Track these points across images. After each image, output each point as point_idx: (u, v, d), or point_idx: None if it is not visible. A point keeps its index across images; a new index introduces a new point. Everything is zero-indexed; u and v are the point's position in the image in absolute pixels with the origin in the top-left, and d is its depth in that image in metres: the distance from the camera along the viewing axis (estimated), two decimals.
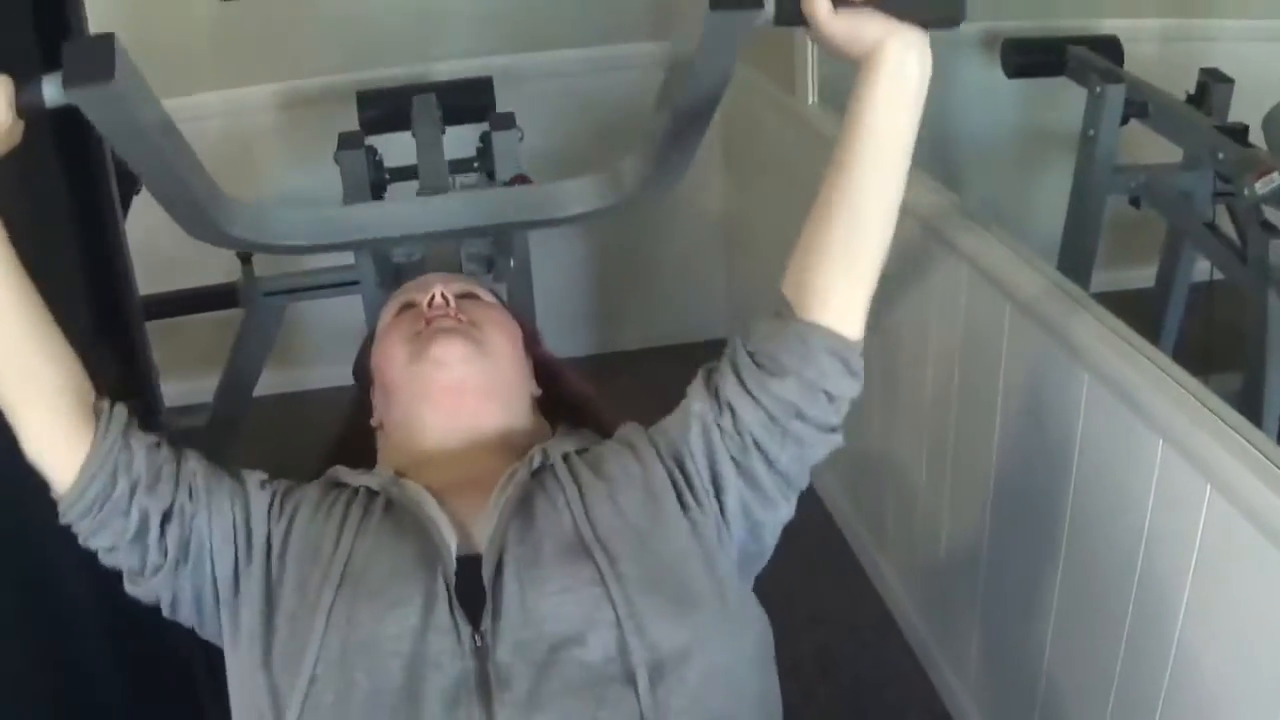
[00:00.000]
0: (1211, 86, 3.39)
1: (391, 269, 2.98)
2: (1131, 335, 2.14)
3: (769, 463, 1.65)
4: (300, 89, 4.10)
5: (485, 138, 3.20)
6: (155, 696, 2.32)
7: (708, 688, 1.53)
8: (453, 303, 1.83)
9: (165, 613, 1.70)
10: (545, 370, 2.00)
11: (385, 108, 3.40)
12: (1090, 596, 2.25)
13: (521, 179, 3.00)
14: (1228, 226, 3.16)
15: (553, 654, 1.50)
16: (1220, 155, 3.09)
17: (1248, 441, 1.82)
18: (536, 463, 1.68)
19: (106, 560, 1.66)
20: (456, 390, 1.76)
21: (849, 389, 1.65)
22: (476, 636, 1.51)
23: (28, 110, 1.62)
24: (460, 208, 2.22)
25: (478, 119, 3.32)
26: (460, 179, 3.19)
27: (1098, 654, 2.21)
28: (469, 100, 3.44)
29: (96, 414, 1.65)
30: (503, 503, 1.62)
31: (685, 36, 1.72)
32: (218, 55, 4.08)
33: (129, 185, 3.08)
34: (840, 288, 1.63)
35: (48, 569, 2.09)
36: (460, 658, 1.50)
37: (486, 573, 1.55)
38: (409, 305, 1.89)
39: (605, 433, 1.82)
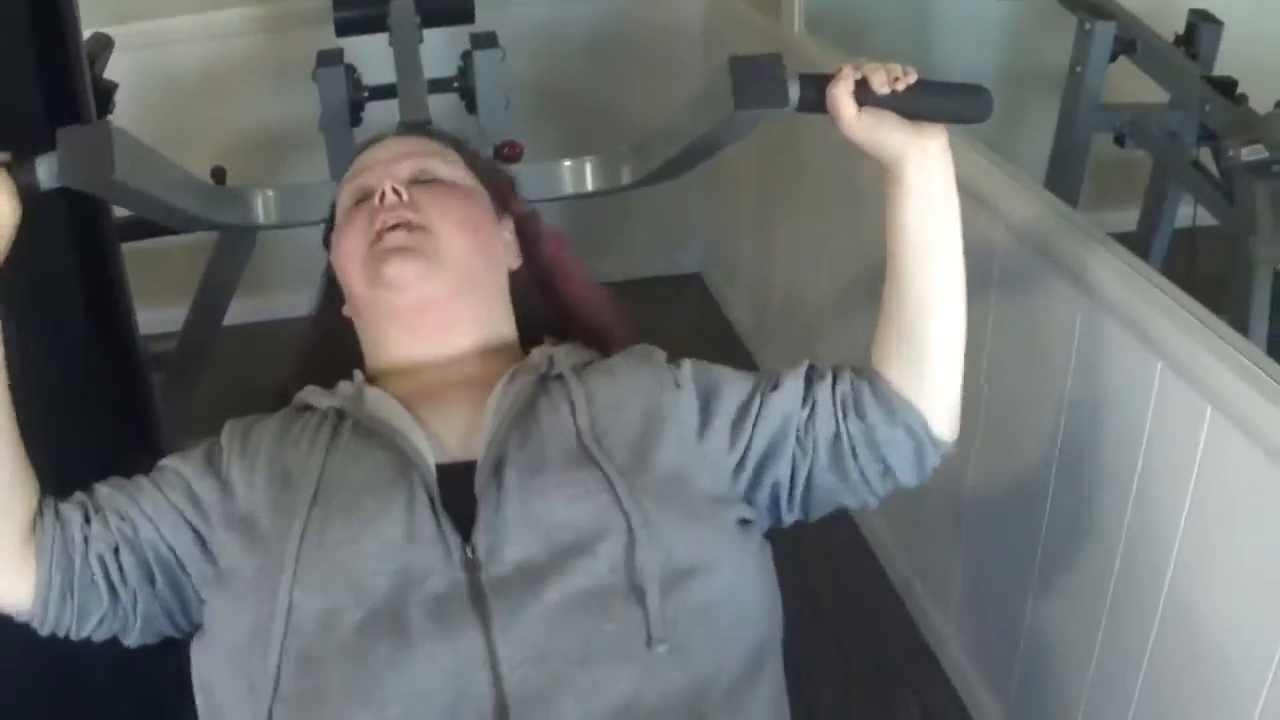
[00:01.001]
0: (1200, 28, 3.38)
1: None
2: (1127, 255, 2.10)
3: (809, 477, 1.65)
4: (271, 13, 4.04)
5: (466, 57, 3.14)
6: None
7: (715, 603, 1.50)
8: (405, 195, 1.71)
9: (177, 635, 1.63)
10: (544, 263, 1.94)
11: (362, 6, 3.34)
12: (1082, 522, 2.22)
13: (511, 146, 2.93)
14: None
15: (555, 564, 1.45)
16: (1208, 108, 3.08)
17: (1246, 358, 1.78)
18: (543, 370, 1.65)
19: (100, 634, 1.59)
20: (418, 309, 1.70)
21: (907, 476, 1.69)
22: (468, 548, 1.46)
23: (24, 192, 1.57)
24: None
25: (456, 21, 3.27)
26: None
27: (1088, 582, 2.19)
28: (448, 3, 3.37)
29: (35, 524, 1.56)
30: (505, 407, 1.58)
31: (708, 104, 1.76)
32: None
33: (104, 101, 3.04)
34: (924, 386, 1.67)
35: None
36: (450, 569, 1.45)
37: (480, 479, 1.50)
38: (364, 195, 1.76)
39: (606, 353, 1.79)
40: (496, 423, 1.56)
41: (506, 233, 1.86)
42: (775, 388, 1.65)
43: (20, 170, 1.58)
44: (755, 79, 1.59)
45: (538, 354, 1.69)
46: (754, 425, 1.63)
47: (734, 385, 1.67)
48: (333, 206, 1.86)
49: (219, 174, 3.17)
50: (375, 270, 1.66)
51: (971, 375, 2.46)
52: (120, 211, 2.32)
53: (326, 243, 1.88)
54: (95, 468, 2.25)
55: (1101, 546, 2.13)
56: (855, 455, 1.63)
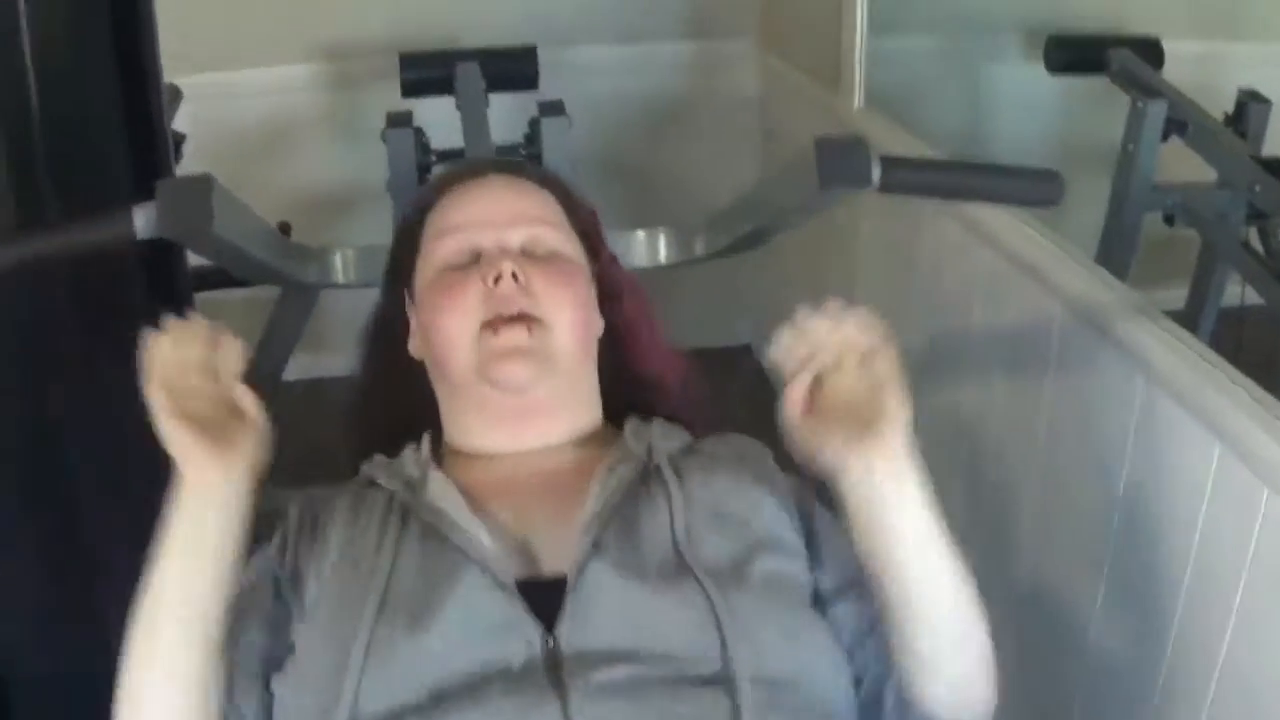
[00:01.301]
0: (1250, 107, 3.42)
1: None
2: (1187, 337, 2.14)
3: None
4: (338, 70, 4.10)
5: (534, 124, 3.20)
6: None
7: (807, 707, 1.46)
8: (522, 278, 1.61)
9: None
10: (623, 324, 1.85)
11: (428, 70, 3.41)
12: (1135, 602, 2.24)
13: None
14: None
15: (642, 660, 1.41)
16: (1257, 188, 3.12)
17: None
18: (643, 460, 1.61)
19: None
20: (522, 411, 1.66)
21: None
22: (549, 639, 1.42)
23: (118, 241, 1.65)
24: None
25: (521, 87, 3.34)
26: None
27: (1140, 664, 2.20)
28: (513, 69, 3.45)
29: None
30: (605, 497, 1.54)
31: (790, 182, 1.83)
32: (257, 32, 4.09)
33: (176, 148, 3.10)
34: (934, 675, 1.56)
35: None
36: (529, 656, 1.41)
37: (573, 568, 1.47)
38: (470, 258, 1.66)
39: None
40: (598, 508, 1.53)
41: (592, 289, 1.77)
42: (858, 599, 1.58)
43: (114, 220, 1.65)
44: (840, 159, 1.64)
45: (633, 438, 1.66)
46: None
47: (835, 558, 1.61)
48: (401, 239, 1.82)
49: (284, 229, 3.23)
50: (487, 366, 1.60)
51: (1027, 451, 2.52)
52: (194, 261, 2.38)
53: (389, 286, 1.83)
54: (153, 507, 2.32)
55: (1155, 627, 2.15)
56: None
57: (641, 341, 1.87)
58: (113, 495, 2.22)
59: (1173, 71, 3.62)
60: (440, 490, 1.58)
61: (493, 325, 1.59)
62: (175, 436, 1.40)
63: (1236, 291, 3.42)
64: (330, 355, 4.15)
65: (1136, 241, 3.47)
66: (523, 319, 1.59)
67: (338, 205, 4.07)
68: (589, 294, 1.73)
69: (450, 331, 1.62)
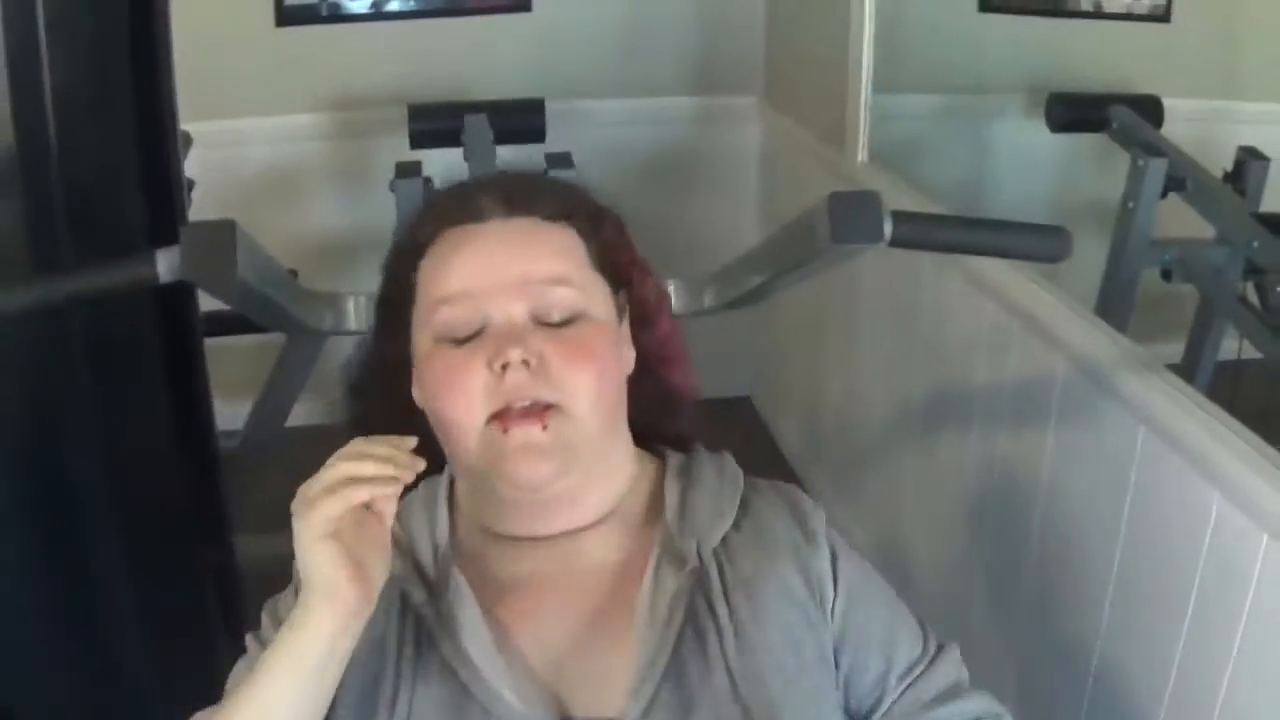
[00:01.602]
0: (1249, 164, 3.46)
1: None
2: (1186, 389, 2.17)
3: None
4: (347, 120, 4.14)
5: None
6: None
7: None
8: (534, 362, 1.35)
9: None
10: (655, 345, 1.63)
11: (437, 122, 3.46)
12: (1136, 649, 2.26)
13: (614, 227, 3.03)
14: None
15: None
16: (1255, 244, 3.15)
17: None
18: (693, 567, 1.43)
19: None
20: (544, 503, 1.43)
21: None
22: None
23: (141, 285, 1.68)
24: None
25: (529, 139, 3.38)
26: None
27: (1141, 708, 2.23)
28: (520, 121, 3.49)
29: None
30: (651, 644, 1.37)
31: (802, 236, 1.81)
32: (268, 82, 4.13)
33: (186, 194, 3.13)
34: None
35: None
36: None
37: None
38: (469, 332, 1.40)
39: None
40: (645, 660, 1.37)
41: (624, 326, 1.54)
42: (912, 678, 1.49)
43: (138, 263, 1.67)
44: (853, 214, 1.66)
45: (678, 526, 1.46)
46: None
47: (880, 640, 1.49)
48: (394, 278, 1.52)
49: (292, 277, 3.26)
50: (498, 465, 1.36)
51: (1029, 504, 2.55)
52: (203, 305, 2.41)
53: (384, 325, 1.55)
54: (169, 557, 2.35)
55: (1154, 671, 2.17)
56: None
57: (671, 358, 1.68)
58: (117, 532, 2.24)
59: (1173, 129, 3.67)
60: (463, 618, 1.39)
61: (502, 420, 1.35)
62: (324, 560, 1.24)
63: (1233, 346, 3.46)
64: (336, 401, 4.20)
65: (1134, 296, 3.51)
66: (536, 411, 1.35)
67: (344, 253, 4.09)
68: (616, 350, 1.48)
69: (455, 423, 1.38)
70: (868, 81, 3.42)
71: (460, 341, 1.39)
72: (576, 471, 1.40)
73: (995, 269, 2.68)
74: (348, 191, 4.11)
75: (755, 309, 3.00)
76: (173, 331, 2.37)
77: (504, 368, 1.34)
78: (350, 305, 2.17)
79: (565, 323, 1.40)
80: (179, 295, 2.28)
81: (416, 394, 1.46)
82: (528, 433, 1.35)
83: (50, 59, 2.01)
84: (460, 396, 1.37)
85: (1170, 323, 3.75)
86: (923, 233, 1.72)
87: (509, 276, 1.40)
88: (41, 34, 2.00)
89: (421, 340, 1.43)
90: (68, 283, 1.82)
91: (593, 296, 1.45)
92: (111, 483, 2.24)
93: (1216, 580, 2.01)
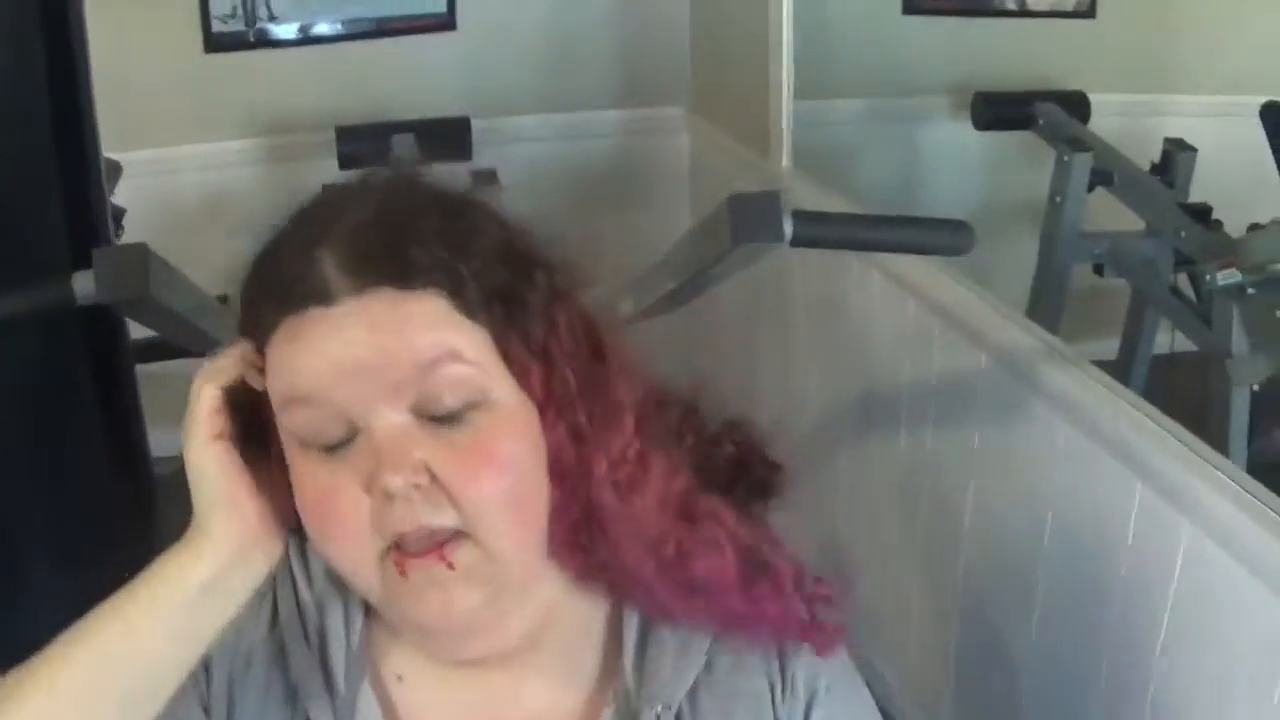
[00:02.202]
0: (1176, 155, 3.49)
1: None
2: (1107, 380, 2.19)
3: None
4: (276, 144, 4.14)
5: None
6: None
7: None
8: (423, 483, 1.06)
9: None
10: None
11: (365, 143, 3.47)
12: (1067, 635, 2.29)
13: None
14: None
15: None
16: (1183, 234, 3.18)
17: (1221, 472, 1.88)
18: None
19: None
20: (458, 636, 1.13)
21: None
22: None
23: (58, 307, 1.68)
24: None
25: (457, 158, 3.38)
26: None
27: (1077, 691, 2.25)
28: (446, 139, 3.50)
29: None
30: None
31: (707, 239, 1.78)
32: (197, 108, 4.12)
33: (114, 225, 3.13)
34: None
35: None
36: None
37: None
38: (343, 435, 1.07)
39: None
40: None
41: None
42: None
43: (53, 286, 1.67)
44: (753, 215, 1.67)
45: (638, 694, 1.19)
46: None
47: None
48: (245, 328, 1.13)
49: (223, 301, 3.26)
50: (400, 607, 1.10)
51: (958, 500, 2.57)
52: (135, 334, 2.42)
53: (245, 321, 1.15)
54: (103, 581, 2.34)
55: (1086, 661, 2.20)
56: None
57: (629, 502, 1.15)
58: (50, 555, 2.24)
59: (1102, 124, 3.70)
60: None
61: (397, 561, 1.08)
62: (216, 463, 1.10)
63: (1168, 340, 3.48)
64: None
65: (1065, 290, 3.53)
66: (435, 545, 1.07)
67: None
68: (529, 440, 1.11)
69: (342, 563, 1.11)
70: (788, 87, 3.43)
71: (329, 449, 1.07)
72: (494, 601, 1.10)
73: (918, 269, 2.70)
74: (278, 215, 4.09)
75: (692, 315, 3.04)
76: (103, 357, 2.37)
77: (387, 495, 1.05)
78: None
79: (458, 415, 1.07)
80: (106, 322, 2.29)
81: (296, 500, 1.11)
82: (429, 573, 1.07)
83: None
84: (341, 532, 1.08)
85: (1106, 319, 3.78)
86: (825, 231, 1.73)
87: (373, 376, 1.05)
88: None
89: (284, 433, 1.10)
90: None
91: (492, 371, 1.09)
92: (44, 505, 2.24)
93: (1141, 568, 2.03)
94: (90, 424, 2.34)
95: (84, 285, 1.67)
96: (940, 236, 1.73)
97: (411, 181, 1.19)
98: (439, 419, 1.06)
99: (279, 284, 1.09)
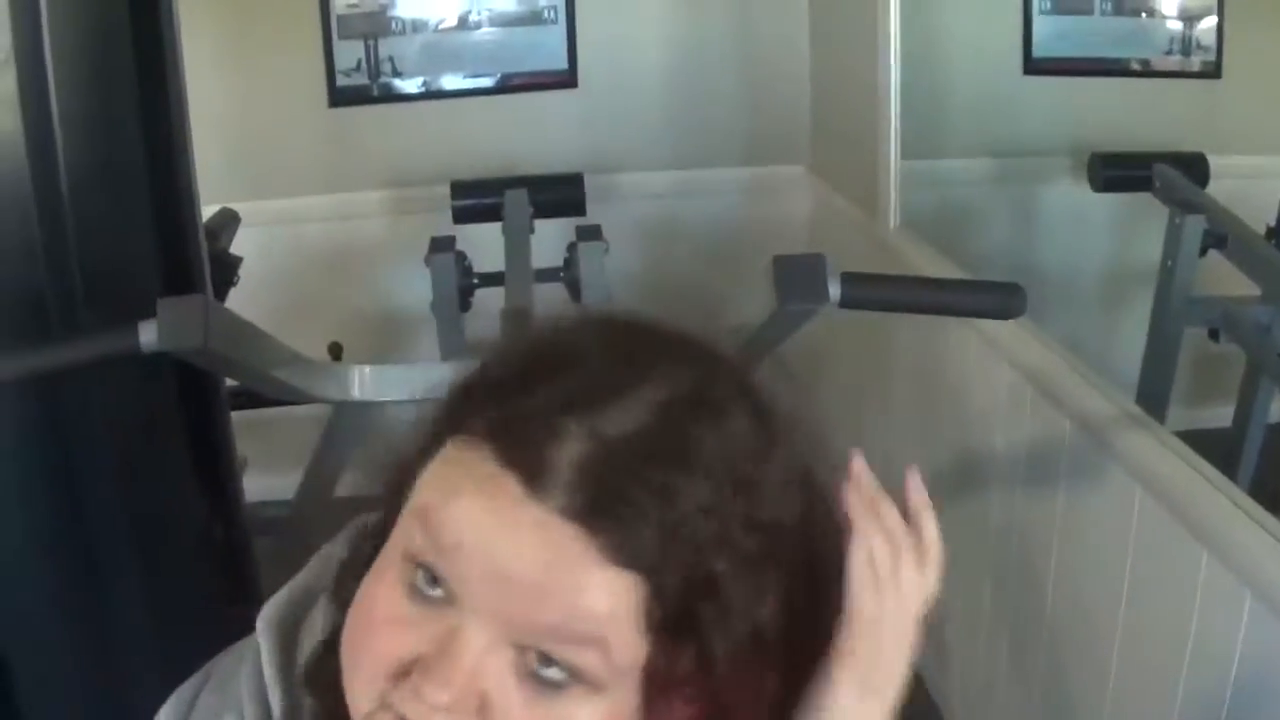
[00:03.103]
0: None
1: None
2: (1183, 449, 2.18)
3: None
4: (396, 197, 4.23)
5: (572, 248, 3.28)
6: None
7: None
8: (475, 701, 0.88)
9: None
10: None
11: (478, 196, 3.53)
12: (1137, 710, 2.27)
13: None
14: None
15: None
16: None
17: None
18: None
19: None
20: None
21: None
22: None
23: (125, 353, 1.75)
24: None
25: (568, 213, 3.43)
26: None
27: None
28: (559, 195, 3.56)
29: None
30: None
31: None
32: (320, 160, 4.23)
33: (228, 273, 3.22)
34: None
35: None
36: None
37: None
38: (441, 601, 0.89)
39: None
40: None
41: None
42: None
43: (121, 335, 1.73)
44: (797, 276, 1.68)
45: None
46: None
47: None
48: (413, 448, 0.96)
49: (335, 349, 3.33)
50: None
51: (1043, 568, 2.56)
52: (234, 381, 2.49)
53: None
54: (194, 619, 2.41)
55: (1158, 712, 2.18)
56: None
57: None
58: (145, 597, 2.30)
59: (1223, 187, 3.65)
60: None
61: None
62: None
63: None
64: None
65: (1175, 354, 3.48)
66: None
67: (389, 326, 4.19)
68: None
69: (350, 684, 0.93)
70: (896, 147, 3.44)
71: (417, 592, 0.90)
72: None
73: (1012, 332, 2.70)
74: (395, 267, 4.16)
75: (802, 379, 3.06)
76: (197, 402, 2.43)
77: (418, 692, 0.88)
78: (354, 376, 2.22)
79: (555, 686, 0.88)
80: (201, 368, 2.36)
81: (361, 588, 0.95)
82: None
83: (64, 144, 2.09)
84: (367, 662, 0.92)
85: (1226, 386, 3.72)
86: (873, 293, 1.74)
87: (511, 600, 0.87)
88: (55, 123, 2.08)
89: (396, 530, 0.95)
90: (58, 352, 1.89)
91: (622, 672, 0.89)
92: (135, 543, 2.30)
93: (1206, 639, 2.01)
94: (183, 468, 2.41)
95: (148, 334, 1.74)
96: (990, 299, 1.73)
97: (726, 397, 0.94)
98: (536, 674, 0.88)
99: (508, 410, 0.89)
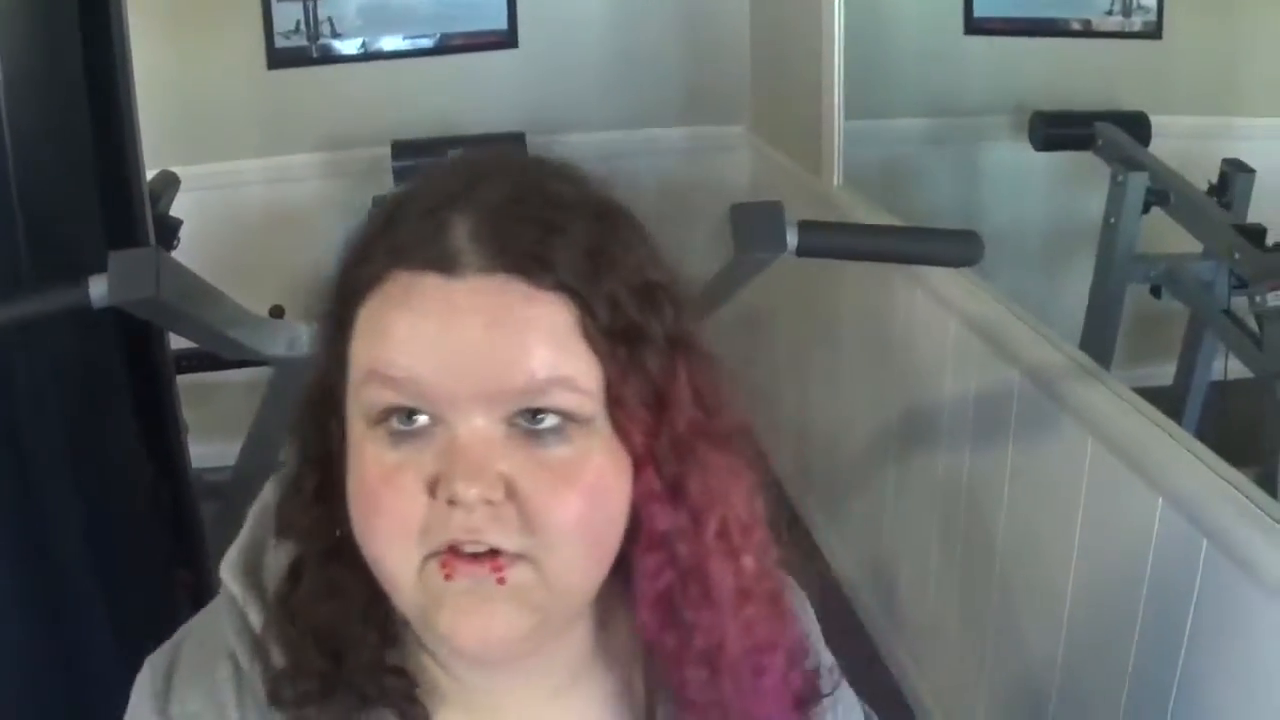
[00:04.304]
0: (1233, 176, 3.44)
1: None
2: (1133, 398, 2.18)
3: None
4: (337, 159, 4.20)
5: None
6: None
7: None
8: (497, 499, 0.94)
9: None
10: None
11: (419, 156, 3.51)
12: (1091, 657, 2.28)
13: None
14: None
15: None
16: (1237, 255, 3.14)
17: (1240, 491, 1.87)
18: None
19: None
20: (494, 664, 1.06)
21: None
22: None
23: (75, 309, 1.70)
24: None
25: None
26: None
27: (1102, 697, 2.25)
28: None
29: None
30: None
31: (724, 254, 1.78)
32: (260, 123, 4.19)
33: (169, 236, 3.18)
34: None
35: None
36: None
37: None
38: (422, 425, 0.95)
39: None
40: None
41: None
42: None
43: (71, 290, 1.70)
44: (755, 224, 1.67)
45: None
46: None
47: None
48: (335, 303, 1.02)
49: (278, 312, 3.28)
50: (437, 615, 0.97)
51: (993, 517, 2.57)
52: (177, 345, 2.45)
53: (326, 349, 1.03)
54: (142, 582, 2.38)
55: (1111, 678, 2.19)
56: None
57: (736, 572, 1.06)
58: (89, 558, 2.27)
59: (1164, 145, 3.66)
60: None
61: (445, 561, 0.95)
62: None
63: (1227, 365, 3.44)
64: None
65: (1119, 311, 3.50)
66: (493, 559, 0.96)
67: None
68: (623, 491, 1.01)
69: (384, 562, 0.98)
70: (840, 107, 3.45)
71: (400, 435, 0.95)
72: (540, 632, 0.99)
73: (958, 284, 2.70)
74: (336, 230, 4.11)
75: (747, 345, 3.05)
76: (142, 365, 2.41)
77: (451, 502, 0.94)
78: (304, 333, 2.19)
79: (556, 431, 0.96)
80: (145, 332, 2.33)
81: (349, 485, 1.00)
82: (479, 584, 0.95)
83: (9, 107, 2.05)
84: (387, 528, 0.96)
85: (1170, 343, 3.75)
86: (829, 241, 1.73)
87: (478, 377, 0.94)
88: (0, 86, 2.05)
89: (352, 413, 0.99)
90: (8, 308, 1.85)
91: (598, 406, 0.98)
92: (82, 507, 2.27)
93: (1162, 584, 2.02)
94: (128, 432, 2.38)
95: (98, 288, 1.70)
96: (948, 247, 1.72)
97: (561, 169, 1.04)
98: (533, 433, 0.95)
99: (395, 239, 0.98)
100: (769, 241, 1.66)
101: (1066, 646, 2.36)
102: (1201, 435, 3.33)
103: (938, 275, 2.76)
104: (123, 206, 2.35)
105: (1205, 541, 1.89)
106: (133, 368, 2.37)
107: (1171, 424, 2.09)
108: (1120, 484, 2.12)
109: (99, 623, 2.28)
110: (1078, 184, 3.92)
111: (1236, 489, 1.88)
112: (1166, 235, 3.50)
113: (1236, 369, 3.30)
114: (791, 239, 1.67)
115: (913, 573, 3.15)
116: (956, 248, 1.72)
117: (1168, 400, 3.48)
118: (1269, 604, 1.76)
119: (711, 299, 1.89)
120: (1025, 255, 4.02)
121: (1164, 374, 3.59)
